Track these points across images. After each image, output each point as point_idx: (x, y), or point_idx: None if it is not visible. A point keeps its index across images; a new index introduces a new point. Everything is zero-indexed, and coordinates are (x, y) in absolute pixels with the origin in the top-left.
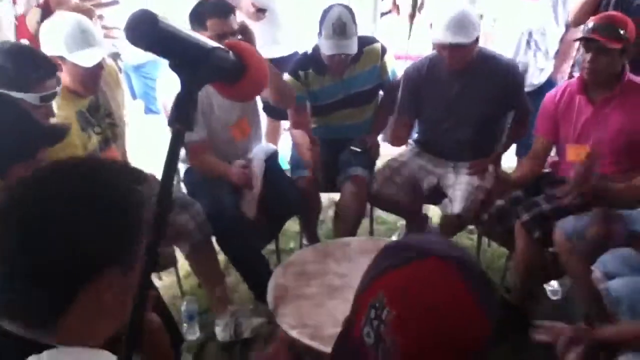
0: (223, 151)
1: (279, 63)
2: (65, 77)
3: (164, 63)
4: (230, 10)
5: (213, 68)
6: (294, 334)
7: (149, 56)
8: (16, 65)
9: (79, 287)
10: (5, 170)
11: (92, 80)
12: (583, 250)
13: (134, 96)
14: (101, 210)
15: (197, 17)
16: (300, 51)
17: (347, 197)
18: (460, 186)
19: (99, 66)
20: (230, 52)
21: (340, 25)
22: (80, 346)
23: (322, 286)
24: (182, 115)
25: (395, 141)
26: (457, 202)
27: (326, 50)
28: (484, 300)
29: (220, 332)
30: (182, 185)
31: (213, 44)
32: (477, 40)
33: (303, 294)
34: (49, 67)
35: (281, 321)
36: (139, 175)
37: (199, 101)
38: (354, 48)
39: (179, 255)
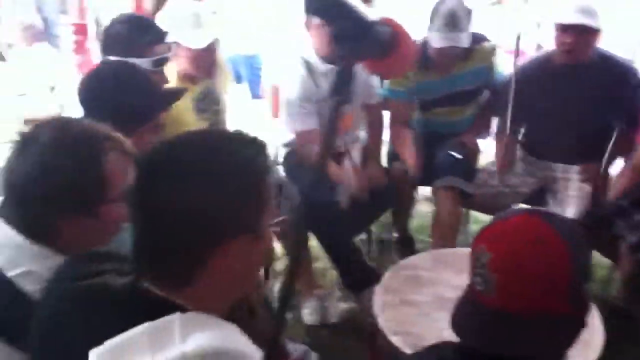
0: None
1: None
2: (181, 62)
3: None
4: None
5: (372, 42)
6: (395, 340)
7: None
8: (128, 32)
9: (210, 252)
10: (132, 132)
11: (206, 62)
12: None
13: (239, 80)
14: (234, 178)
15: None
16: None
17: (443, 210)
18: (573, 192)
19: (212, 49)
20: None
21: (452, 18)
22: (206, 311)
23: (433, 296)
24: (340, 88)
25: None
26: (570, 207)
27: (436, 42)
28: (567, 237)
29: (307, 315)
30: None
31: (373, 17)
32: (598, 32)
33: (411, 300)
34: (158, 32)
35: (383, 325)
36: (260, 145)
37: (314, 91)
38: (464, 42)
39: None
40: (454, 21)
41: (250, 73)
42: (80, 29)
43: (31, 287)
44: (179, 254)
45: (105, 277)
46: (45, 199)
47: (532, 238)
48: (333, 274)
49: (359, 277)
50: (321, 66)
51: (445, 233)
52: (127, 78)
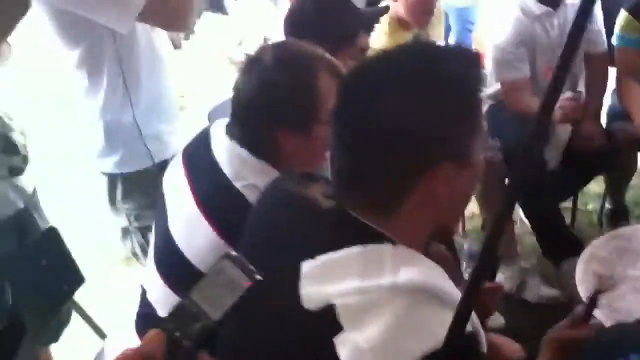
0: (534, 92)
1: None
2: (398, 7)
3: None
4: None
5: None
6: (599, 315)
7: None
8: None
9: (419, 176)
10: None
11: (424, 11)
12: None
13: (448, 31)
14: (446, 93)
15: None
16: None
17: None
18: None
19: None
20: None
21: None
22: (408, 241)
23: None
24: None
25: None
26: None
27: None
28: None
29: (503, 279)
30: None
31: None
32: None
33: (622, 273)
34: None
35: (586, 296)
36: (474, 59)
37: (527, 37)
38: None
39: None
40: None
41: (460, 25)
42: None
43: (254, 198)
44: (385, 179)
45: (315, 194)
46: (264, 113)
47: None
48: (531, 240)
49: (561, 246)
50: (536, 8)
51: None
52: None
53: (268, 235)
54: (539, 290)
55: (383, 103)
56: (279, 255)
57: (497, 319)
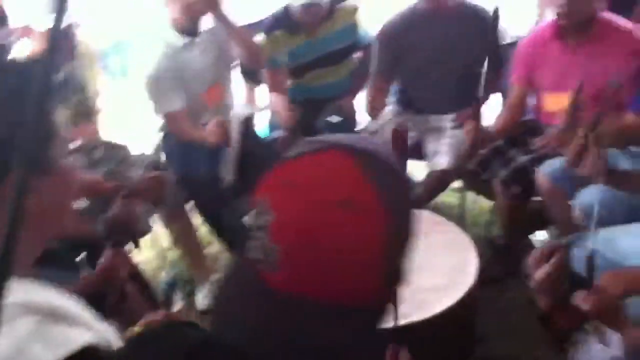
0: (197, 117)
1: (255, 27)
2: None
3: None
4: None
5: None
6: None
7: None
8: None
9: None
10: None
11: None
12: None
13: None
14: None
15: None
16: None
17: None
18: (444, 140)
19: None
20: None
21: None
22: None
23: None
24: None
25: (373, 111)
26: (442, 157)
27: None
28: (388, 197)
29: (201, 299)
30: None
31: None
32: None
33: None
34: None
35: None
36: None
37: (175, 69)
38: None
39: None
40: None
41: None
42: None
43: None
44: None
45: None
46: None
47: (338, 194)
48: (227, 258)
49: None
50: (177, 40)
51: None
52: None
53: None
54: None
55: None
56: None
57: None
